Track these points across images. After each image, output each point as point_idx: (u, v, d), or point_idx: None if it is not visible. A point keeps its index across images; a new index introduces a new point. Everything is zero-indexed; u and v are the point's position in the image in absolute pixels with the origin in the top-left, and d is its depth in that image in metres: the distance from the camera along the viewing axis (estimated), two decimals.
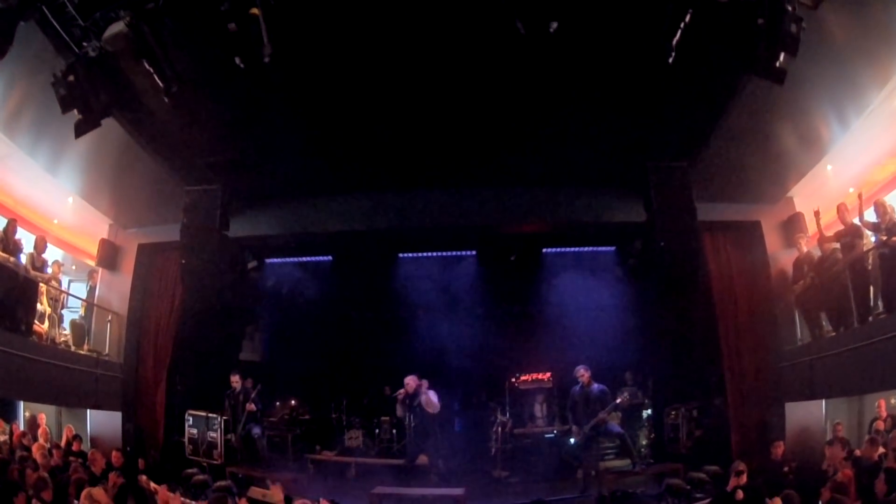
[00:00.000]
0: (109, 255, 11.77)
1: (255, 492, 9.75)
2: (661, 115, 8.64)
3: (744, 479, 8.25)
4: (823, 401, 9.72)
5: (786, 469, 9.12)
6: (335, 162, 10.35)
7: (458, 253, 12.19)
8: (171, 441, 11.49)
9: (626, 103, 8.43)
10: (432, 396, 10.98)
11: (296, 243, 11.72)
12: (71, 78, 7.02)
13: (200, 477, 10.08)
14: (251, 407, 10.67)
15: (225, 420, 11.01)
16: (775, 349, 10.59)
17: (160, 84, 7.20)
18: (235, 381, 11.01)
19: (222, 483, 9.64)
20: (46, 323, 10.53)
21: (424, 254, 12.29)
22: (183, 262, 9.50)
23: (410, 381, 10.93)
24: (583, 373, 10.71)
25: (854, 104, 8.23)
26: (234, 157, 9.82)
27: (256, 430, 10.73)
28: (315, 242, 11.83)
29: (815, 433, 9.76)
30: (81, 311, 11.68)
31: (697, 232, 9.07)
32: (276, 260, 12.28)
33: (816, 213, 9.54)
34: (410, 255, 12.22)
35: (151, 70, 7.09)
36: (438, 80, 8.24)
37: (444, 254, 12.26)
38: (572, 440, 10.86)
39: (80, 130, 7.38)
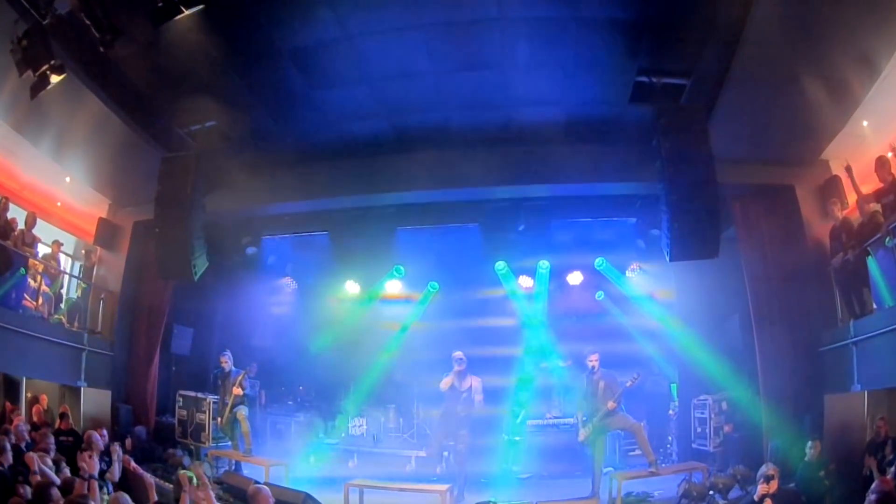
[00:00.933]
0: (107, 234, 11.61)
1: (228, 476, 9.43)
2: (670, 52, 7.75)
3: (774, 485, 7.13)
4: (865, 392, 8.23)
5: (821, 473, 7.81)
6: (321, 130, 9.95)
7: (459, 226, 11.26)
8: (162, 421, 11.25)
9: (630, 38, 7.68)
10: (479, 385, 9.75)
11: (288, 217, 11.25)
12: (25, 42, 7.18)
13: (178, 458, 9.78)
14: (237, 391, 10.28)
15: (214, 402, 10.72)
16: (813, 331, 9.15)
17: (97, 35, 7.23)
18: (225, 361, 10.63)
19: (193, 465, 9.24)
20: (40, 299, 10.52)
21: (424, 227, 11.42)
22: (157, 230, 9.17)
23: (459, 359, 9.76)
24: (592, 357, 9.60)
25: (879, 43, 7.00)
26: (215, 125, 9.50)
27: (243, 414, 10.27)
28: (308, 216, 11.26)
29: (856, 431, 8.27)
30: (78, 292, 11.62)
31: (714, 182, 7.79)
32: (272, 237, 11.83)
33: (848, 169, 8.23)
34: (410, 228, 11.36)
35: (88, 22, 7.15)
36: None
37: (445, 226, 11.35)
38: (581, 434, 9.65)
39: (34, 90, 7.50)
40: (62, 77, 7.56)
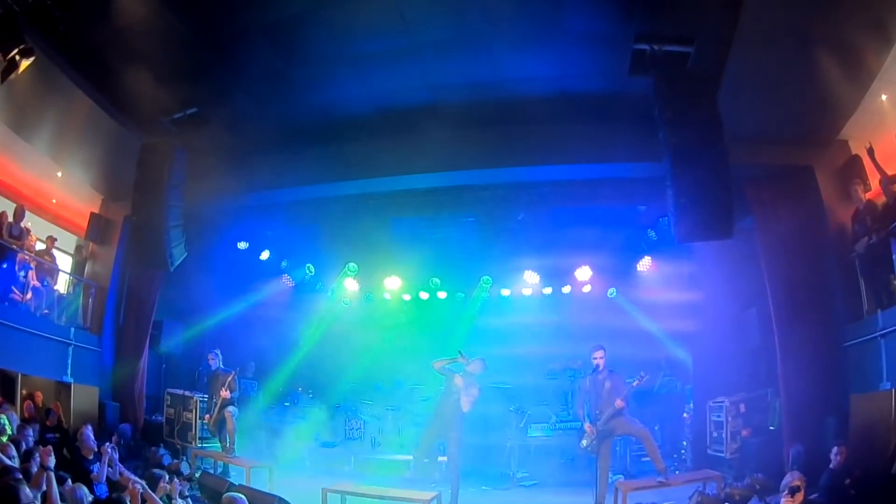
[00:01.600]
0: (99, 229, 11.40)
1: (206, 478, 9.02)
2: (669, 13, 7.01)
3: (800, 498, 6.27)
4: (893, 391, 7.36)
5: (847, 482, 6.97)
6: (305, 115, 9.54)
7: (455, 216, 10.71)
8: (151, 420, 10.96)
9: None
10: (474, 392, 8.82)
11: (277, 208, 10.86)
12: None
13: (158, 458, 9.48)
14: (225, 394, 9.89)
15: (202, 400, 10.40)
16: (837, 324, 8.35)
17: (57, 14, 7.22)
18: (211, 358, 10.26)
19: (171, 464, 8.94)
20: (28, 293, 10.37)
21: (420, 216, 10.92)
22: (134, 218, 8.91)
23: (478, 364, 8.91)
24: (596, 354, 8.81)
25: (891, 9, 6.43)
26: (197, 112, 9.22)
27: (229, 412, 9.87)
28: (298, 207, 10.82)
29: (884, 434, 7.36)
30: (70, 287, 11.45)
31: (724, 152, 7.11)
32: (264, 233, 11.50)
33: (870, 151, 7.52)
34: (404, 218, 10.88)
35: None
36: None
37: (441, 217, 10.84)
38: (584, 440, 8.68)
39: (4, 74, 7.45)
40: (32, 60, 7.49)
